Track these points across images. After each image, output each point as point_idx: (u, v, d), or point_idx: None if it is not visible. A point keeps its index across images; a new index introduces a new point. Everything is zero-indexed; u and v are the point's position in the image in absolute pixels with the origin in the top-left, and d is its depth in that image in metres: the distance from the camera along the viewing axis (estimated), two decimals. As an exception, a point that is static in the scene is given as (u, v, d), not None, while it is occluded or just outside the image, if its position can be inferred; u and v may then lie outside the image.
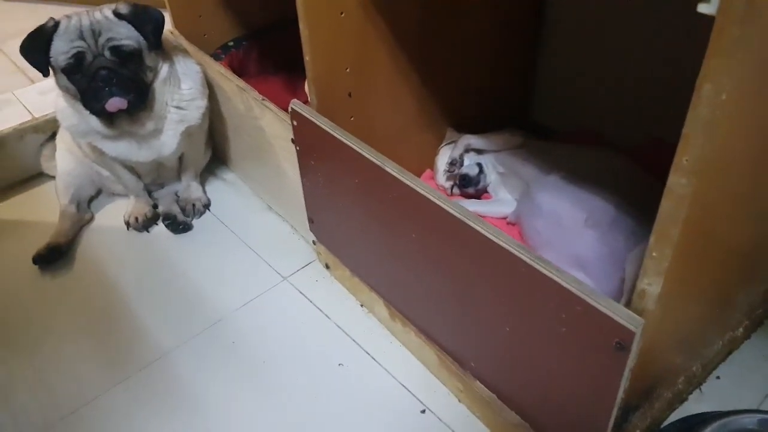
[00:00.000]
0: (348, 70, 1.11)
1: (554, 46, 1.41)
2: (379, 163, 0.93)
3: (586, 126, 1.40)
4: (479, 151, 1.32)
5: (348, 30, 1.07)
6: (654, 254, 0.62)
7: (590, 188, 1.10)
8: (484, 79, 1.38)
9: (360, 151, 0.96)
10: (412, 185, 0.87)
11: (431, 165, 1.40)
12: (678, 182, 0.57)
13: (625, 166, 1.14)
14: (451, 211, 0.82)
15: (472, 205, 1.28)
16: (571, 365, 0.76)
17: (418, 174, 1.40)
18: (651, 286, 0.64)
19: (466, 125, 1.38)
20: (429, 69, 1.26)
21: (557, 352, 0.77)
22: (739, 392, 1.01)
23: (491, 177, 1.30)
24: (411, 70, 1.24)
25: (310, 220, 1.26)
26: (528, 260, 0.74)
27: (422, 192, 0.86)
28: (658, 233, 0.61)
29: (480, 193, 1.33)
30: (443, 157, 1.34)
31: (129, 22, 1.19)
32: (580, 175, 1.12)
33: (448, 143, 1.35)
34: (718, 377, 1.04)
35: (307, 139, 1.12)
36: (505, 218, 1.26)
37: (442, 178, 1.33)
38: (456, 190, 1.33)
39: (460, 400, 1.04)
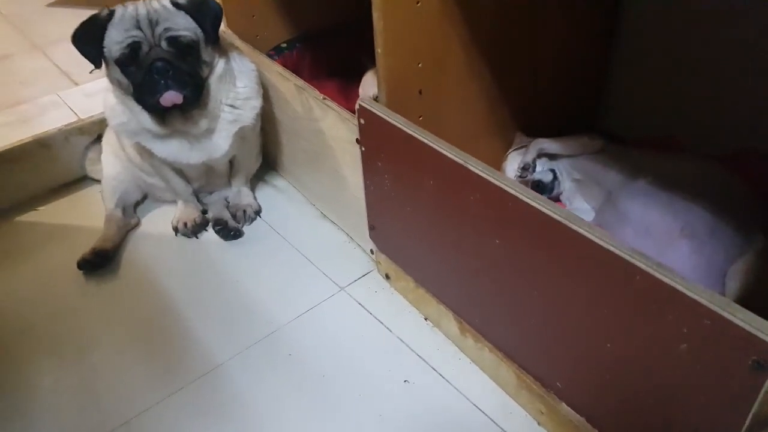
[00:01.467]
0: (420, 65, 1.05)
1: (629, 51, 1.32)
2: (461, 161, 0.85)
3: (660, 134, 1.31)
4: (552, 157, 1.24)
5: (423, 22, 1.01)
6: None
7: (684, 196, 1.01)
8: (555, 83, 1.30)
9: (439, 149, 0.88)
10: (503, 186, 0.80)
11: (497, 170, 1.32)
12: None
13: (722, 175, 1.05)
14: (553, 213, 0.74)
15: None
16: (688, 387, 0.67)
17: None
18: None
19: (534, 130, 1.31)
20: (500, 70, 1.19)
21: (672, 371, 0.68)
22: None
23: (566, 184, 1.21)
24: (483, 69, 1.16)
25: (371, 227, 1.18)
26: (645, 268, 0.66)
27: (517, 193, 0.78)
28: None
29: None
30: (512, 162, 1.26)
31: (187, 12, 1.13)
32: (671, 182, 1.03)
33: (517, 148, 1.27)
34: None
35: (374, 139, 1.04)
36: (580, 228, 1.18)
37: (510, 185, 1.25)
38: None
39: (540, 423, 0.95)
